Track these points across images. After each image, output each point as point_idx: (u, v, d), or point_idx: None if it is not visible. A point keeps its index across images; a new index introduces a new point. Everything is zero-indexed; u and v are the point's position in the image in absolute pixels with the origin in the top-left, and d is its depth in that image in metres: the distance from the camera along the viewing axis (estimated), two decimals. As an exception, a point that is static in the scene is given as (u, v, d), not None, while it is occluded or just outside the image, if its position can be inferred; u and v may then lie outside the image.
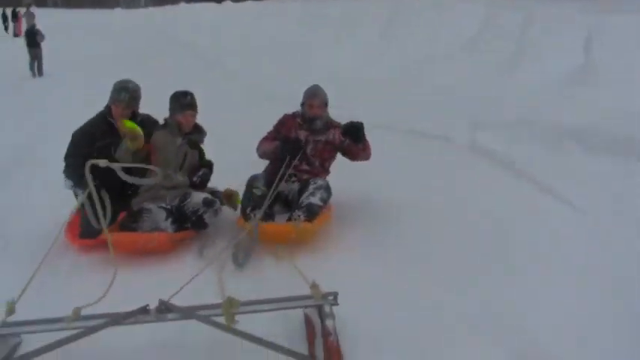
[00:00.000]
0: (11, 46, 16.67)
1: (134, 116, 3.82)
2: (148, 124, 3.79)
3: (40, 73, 12.62)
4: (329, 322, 2.28)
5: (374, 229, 3.71)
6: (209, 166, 3.95)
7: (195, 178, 3.80)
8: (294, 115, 4.06)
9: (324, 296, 2.36)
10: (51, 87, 10.64)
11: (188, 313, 2.20)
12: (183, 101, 3.75)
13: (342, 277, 2.81)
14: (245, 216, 3.53)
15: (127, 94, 3.79)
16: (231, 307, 2.24)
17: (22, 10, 23.57)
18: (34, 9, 22.74)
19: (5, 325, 2.18)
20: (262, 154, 3.98)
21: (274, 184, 3.47)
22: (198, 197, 3.59)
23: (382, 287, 2.91)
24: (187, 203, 3.57)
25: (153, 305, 2.27)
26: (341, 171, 4.07)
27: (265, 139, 4.00)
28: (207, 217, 3.55)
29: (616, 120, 5.50)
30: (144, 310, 2.17)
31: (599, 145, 5.09)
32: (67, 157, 3.81)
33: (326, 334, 2.26)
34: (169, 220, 3.51)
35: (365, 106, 6.71)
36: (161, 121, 3.84)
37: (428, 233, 3.60)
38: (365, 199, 4.24)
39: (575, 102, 6.42)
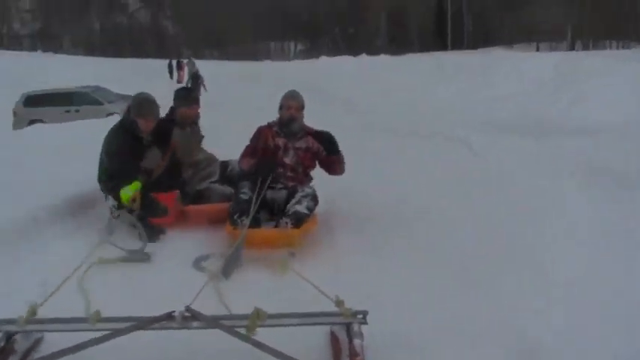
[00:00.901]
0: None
1: None
2: (164, 126, 4.08)
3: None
4: (357, 342, 2.12)
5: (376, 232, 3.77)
6: None
7: None
8: (269, 125, 4.01)
9: (354, 314, 2.21)
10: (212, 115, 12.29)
11: (213, 322, 2.19)
12: (189, 97, 4.48)
13: (345, 284, 2.71)
14: (233, 222, 3.51)
15: (156, 107, 3.91)
16: (258, 318, 2.21)
17: (184, 61, 26.90)
18: (194, 60, 25.86)
19: (28, 322, 2.21)
20: (244, 171, 3.96)
21: (256, 194, 3.55)
22: (234, 162, 4.24)
23: (386, 292, 2.76)
24: (231, 171, 4.31)
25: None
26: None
27: (244, 155, 3.95)
28: None
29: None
30: (169, 317, 2.20)
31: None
32: (111, 179, 3.71)
33: (353, 353, 2.10)
34: None
35: (442, 126, 8.69)
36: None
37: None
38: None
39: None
